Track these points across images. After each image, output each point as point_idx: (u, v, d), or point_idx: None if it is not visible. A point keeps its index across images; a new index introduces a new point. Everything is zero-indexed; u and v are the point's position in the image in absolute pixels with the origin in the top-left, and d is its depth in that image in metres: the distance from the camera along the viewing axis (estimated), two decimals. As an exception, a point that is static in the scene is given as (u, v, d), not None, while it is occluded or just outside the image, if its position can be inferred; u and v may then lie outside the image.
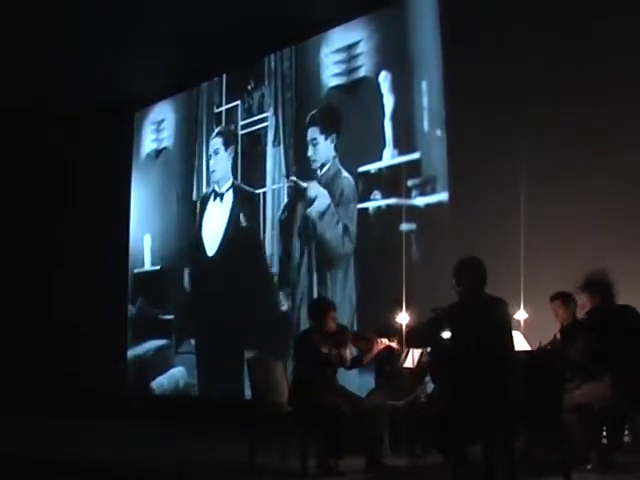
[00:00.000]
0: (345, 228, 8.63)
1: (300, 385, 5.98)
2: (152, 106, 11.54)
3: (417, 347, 5.89)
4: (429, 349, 5.85)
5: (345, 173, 8.71)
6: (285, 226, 9.35)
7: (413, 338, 5.73)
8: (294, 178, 9.26)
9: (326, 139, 9.02)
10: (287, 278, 9.25)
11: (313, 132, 9.17)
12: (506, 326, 4.61)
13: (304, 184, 9.11)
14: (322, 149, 9.04)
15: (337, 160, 8.85)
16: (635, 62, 6.50)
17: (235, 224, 10.05)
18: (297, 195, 9.23)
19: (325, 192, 8.87)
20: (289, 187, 9.33)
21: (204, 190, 10.54)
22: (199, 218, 10.56)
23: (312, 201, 9.01)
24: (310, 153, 9.14)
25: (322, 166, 8.99)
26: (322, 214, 8.88)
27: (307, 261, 9.02)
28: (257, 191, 9.76)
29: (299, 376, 6.03)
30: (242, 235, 9.93)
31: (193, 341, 10.37)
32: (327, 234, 8.82)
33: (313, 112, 9.20)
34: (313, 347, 5.98)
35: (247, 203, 9.91)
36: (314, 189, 9.00)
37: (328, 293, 8.57)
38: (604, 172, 6.54)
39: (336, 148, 8.90)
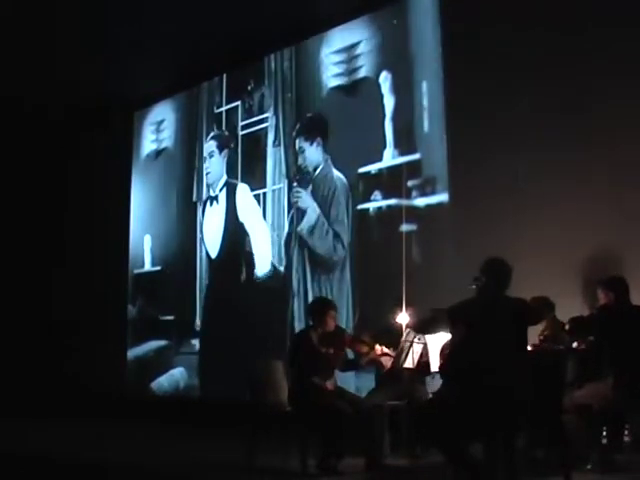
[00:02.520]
0: (336, 234, 8.66)
1: (300, 385, 5.98)
2: (152, 106, 11.52)
3: (427, 332, 5.71)
4: (448, 346, 5.78)
5: (338, 174, 8.71)
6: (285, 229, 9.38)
7: (426, 321, 5.62)
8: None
9: (311, 144, 9.06)
10: (287, 279, 9.24)
11: (299, 142, 9.23)
12: (519, 327, 4.61)
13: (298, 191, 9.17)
14: (309, 155, 9.08)
15: (329, 162, 8.85)
16: (636, 61, 6.50)
17: (234, 225, 10.03)
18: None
19: (314, 204, 8.91)
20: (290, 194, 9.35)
21: (204, 191, 10.54)
22: (198, 219, 10.54)
23: (304, 213, 9.07)
24: (300, 162, 9.18)
25: (314, 169, 9.01)
26: (313, 227, 8.93)
27: (305, 263, 9.03)
28: (257, 192, 9.76)
29: (298, 376, 6.03)
30: (242, 236, 9.92)
31: (193, 342, 10.35)
32: (318, 241, 8.86)
33: (298, 125, 9.24)
34: (311, 346, 5.98)
35: (246, 204, 9.90)
36: (305, 199, 9.04)
37: (326, 294, 8.56)
38: (604, 171, 6.54)
39: (325, 151, 8.91)
